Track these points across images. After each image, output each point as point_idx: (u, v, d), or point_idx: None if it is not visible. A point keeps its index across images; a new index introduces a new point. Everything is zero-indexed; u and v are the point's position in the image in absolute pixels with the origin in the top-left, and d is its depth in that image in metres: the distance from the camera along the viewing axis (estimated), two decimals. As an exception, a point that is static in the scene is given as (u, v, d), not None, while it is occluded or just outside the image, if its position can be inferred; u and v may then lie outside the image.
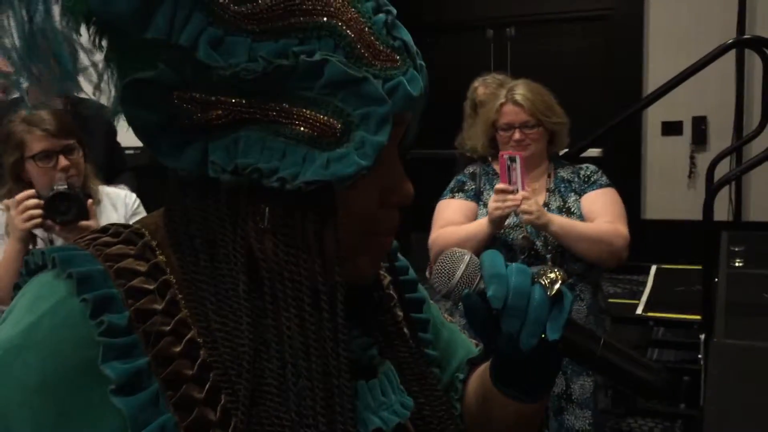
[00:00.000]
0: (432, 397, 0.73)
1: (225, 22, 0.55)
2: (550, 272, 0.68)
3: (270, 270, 0.58)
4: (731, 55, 4.06)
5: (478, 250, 2.16)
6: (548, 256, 2.01)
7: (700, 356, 2.68)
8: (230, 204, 0.58)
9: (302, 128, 0.56)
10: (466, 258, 0.70)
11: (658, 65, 4.36)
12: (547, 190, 2.12)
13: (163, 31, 0.54)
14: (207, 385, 0.56)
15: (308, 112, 0.56)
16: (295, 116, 0.56)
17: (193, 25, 0.55)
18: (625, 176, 4.11)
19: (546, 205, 2.07)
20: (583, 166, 2.19)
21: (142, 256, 0.60)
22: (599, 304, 2.07)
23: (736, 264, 2.68)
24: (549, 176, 2.15)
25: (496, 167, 2.16)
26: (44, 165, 1.88)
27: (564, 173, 2.15)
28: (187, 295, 0.59)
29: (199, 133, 0.57)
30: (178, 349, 0.56)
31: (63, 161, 1.90)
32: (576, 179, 2.14)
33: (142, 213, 2.11)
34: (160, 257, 0.61)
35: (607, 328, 2.10)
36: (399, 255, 0.80)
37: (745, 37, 3.76)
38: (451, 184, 2.21)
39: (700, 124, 4.35)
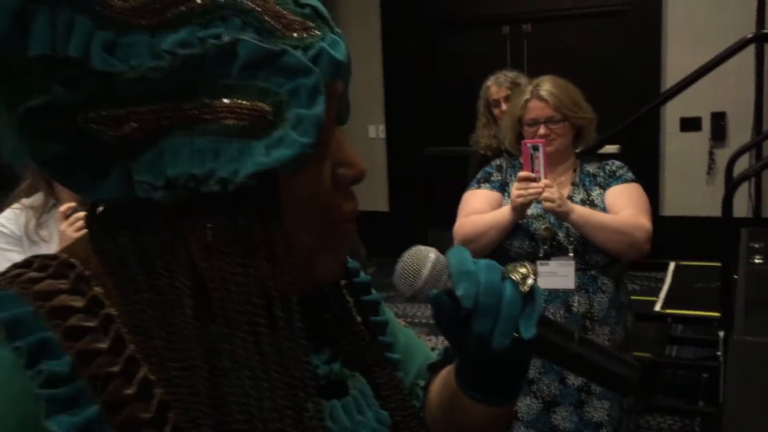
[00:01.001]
0: (403, 408, 0.70)
1: (114, 22, 0.49)
2: (521, 267, 0.65)
3: (217, 289, 0.52)
4: (750, 49, 4.02)
5: (501, 238, 2.17)
6: (570, 247, 2.02)
7: (719, 353, 2.66)
8: (166, 225, 0.53)
9: (229, 120, 0.51)
10: (432, 256, 0.67)
11: (676, 61, 4.32)
12: (572, 183, 2.14)
13: (46, 45, 0.48)
14: (168, 428, 0.51)
15: (231, 101, 0.51)
16: (218, 109, 0.51)
17: (79, 31, 0.49)
18: (644, 172, 4.07)
19: (570, 198, 2.08)
20: (609, 161, 2.21)
21: (77, 289, 0.54)
22: (621, 299, 2.08)
23: (756, 261, 2.65)
24: (575, 171, 2.17)
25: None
26: None
27: (590, 168, 2.17)
28: (132, 328, 0.53)
29: (117, 155, 0.51)
30: (130, 391, 0.51)
31: None
32: (601, 173, 2.16)
33: None
34: (97, 289, 0.54)
35: (628, 324, 2.10)
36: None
37: (765, 31, 3.73)
38: (478, 176, 2.23)
39: (719, 120, 4.31)
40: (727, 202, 2.59)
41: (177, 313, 0.52)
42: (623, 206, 2.07)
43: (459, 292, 0.62)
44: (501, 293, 0.63)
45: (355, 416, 0.64)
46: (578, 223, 1.99)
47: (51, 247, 1.89)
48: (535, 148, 2.02)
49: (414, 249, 0.68)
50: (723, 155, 3.62)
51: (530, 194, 1.96)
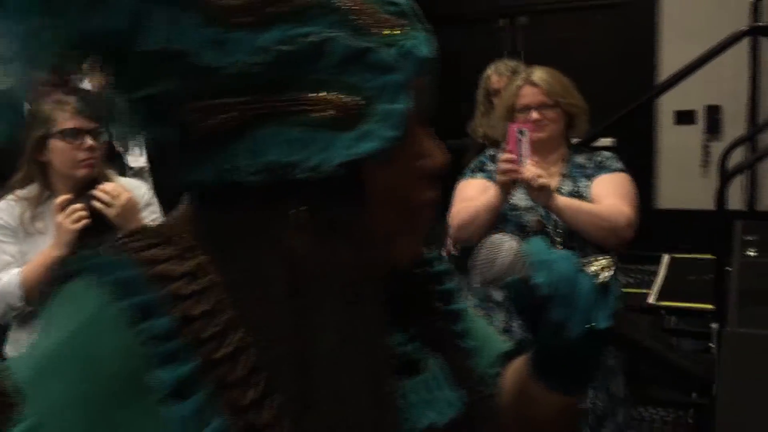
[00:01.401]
0: (476, 393, 0.71)
1: (219, 20, 0.53)
2: (599, 259, 0.68)
3: (308, 267, 0.56)
4: (745, 43, 4.03)
5: (493, 220, 2.18)
6: (558, 239, 2.03)
7: (712, 345, 2.67)
8: (258, 207, 0.57)
9: (320, 113, 0.55)
10: (510, 244, 0.70)
11: (672, 54, 4.33)
12: (562, 175, 2.15)
13: (159, 41, 0.53)
14: (258, 388, 0.55)
15: (323, 95, 0.55)
16: (311, 102, 0.55)
17: (189, 29, 0.53)
18: (639, 165, 4.08)
19: (559, 189, 2.09)
20: (599, 152, 2.21)
21: (182, 256, 0.57)
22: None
23: (750, 253, 2.66)
24: (565, 162, 2.17)
25: None
26: (71, 142, 1.90)
27: (580, 159, 2.19)
28: (229, 296, 0.57)
29: (218, 142, 0.56)
30: (226, 351, 0.55)
31: (89, 141, 1.92)
32: (590, 165, 2.17)
33: (155, 205, 2.12)
34: (200, 258, 0.58)
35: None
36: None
37: (759, 24, 3.73)
38: (472, 165, 2.26)
39: (713, 113, 4.32)
40: (721, 195, 2.60)
41: (270, 287, 0.56)
42: (607, 195, 2.09)
43: (538, 280, 0.65)
44: (577, 283, 0.65)
45: (425, 395, 0.66)
46: (560, 209, 2.00)
47: (46, 240, 1.88)
48: (522, 133, 2.03)
49: (493, 237, 0.71)
50: (718, 148, 3.64)
51: (512, 172, 1.98)
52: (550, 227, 2.05)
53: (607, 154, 2.20)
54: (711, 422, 1.51)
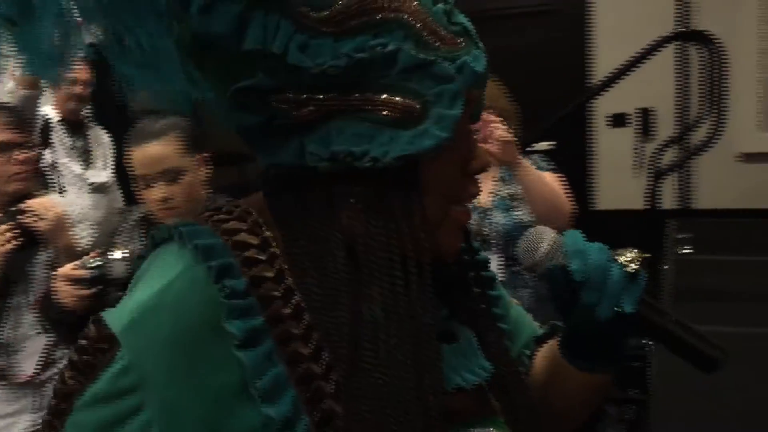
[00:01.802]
0: (507, 364, 0.79)
1: (308, 28, 0.63)
2: (629, 252, 0.74)
3: (364, 245, 0.65)
4: (673, 46, 4.15)
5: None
6: (496, 242, 2.07)
7: (648, 342, 2.74)
8: (325, 190, 0.66)
9: (385, 112, 0.63)
10: (550, 235, 0.77)
11: (604, 59, 4.42)
12: (497, 179, 2.19)
13: (258, 42, 0.63)
14: (312, 344, 0.64)
15: (388, 97, 0.64)
16: (377, 103, 0.63)
17: (282, 34, 0.63)
18: (575, 168, 4.17)
19: (496, 193, 2.13)
20: (530, 156, 2.27)
21: (253, 231, 0.68)
22: (544, 291, 2.14)
23: (682, 251, 2.75)
24: (499, 166, 2.22)
25: None
26: (1, 156, 1.85)
27: None
28: (291, 266, 0.67)
29: (295, 130, 0.65)
30: (287, 311, 0.64)
31: (20, 155, 1.87)
32: None
33: (86, 222, 2.09)
34: (268, 233, 0.68)
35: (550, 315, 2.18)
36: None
37: (682, 30, 3.85)
38: None
39: (645, 116, 4.43)
40: (652, 194, 2.67)
41: (328, 260, 0.66)
42: None
43: (573, 267, 0.73)
44: (608, 272, 0.73)
45: (460, 358, 0.74)
46: (523, 166, 2.05)
47: None
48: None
49: (536, 227, 0.78)
50: (650, 150, 3.73)
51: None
52: (488, 231, 2.08)
53: (537, 156, 2.26)
54: (647, 417, 1.54)
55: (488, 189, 2.21)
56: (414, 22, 0.64)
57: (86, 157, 3.38)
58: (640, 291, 0.74)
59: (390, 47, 0.63)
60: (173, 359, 0.62)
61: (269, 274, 0.65)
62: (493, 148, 2.05)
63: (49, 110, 3.38)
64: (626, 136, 4.49)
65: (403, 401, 0.63)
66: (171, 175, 1.73)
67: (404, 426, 0.62)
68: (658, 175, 2.63)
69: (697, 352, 0.76)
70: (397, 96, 0.64)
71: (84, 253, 1.89)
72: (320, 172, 0.65)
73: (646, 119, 4.44)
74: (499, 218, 2.15)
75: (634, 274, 0.73)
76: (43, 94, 3.23)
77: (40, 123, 3.28)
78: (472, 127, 0.72)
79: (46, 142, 3.28)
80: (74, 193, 3.32)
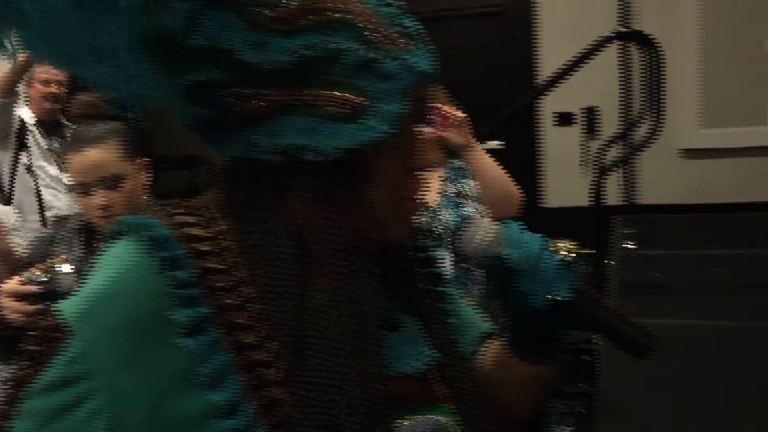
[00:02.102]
0: (452, 353, 0.82)
1: (259, 25, 0.65)
2: (564, 242, 0.77)
3: (312, 236, 0.67)
4: (616, 46, 4.23)
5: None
6: (447, 240, 2.10)
7: (593, 336, 2.80)
8: (275, 182, 0.69)
9: (332, 107, 0.66)
10: (489, 225, 0.79)
11: (550, 59, 4.48)
12: (442, 178, 2.22)
13: (209, 38, 0.65)
14: (259, 333, 0.66)
15: (335, 93, 0.66)
16: (324, 98, 0.66)
17: (234, 31, 0.65)
18: (524, 167, 4.23)
19: (443, 192, 2.16)
20: None
21: (205, 224, 0.70)
22: (492, 289, 2.18)
23: (627, 246, 2.80)
24: (443, 166, 2.25)
25: None
26: None
27: (457, 162, 2.27)
28: (242, 258, 0.69)
29: (246, 124, 0.67)
30: (235, 301, 0.67)
31: None
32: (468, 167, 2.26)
33: (24, 231, 2.05)
34: (220, 226, 0.71)
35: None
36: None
37: (622, 30, 3.93)
38: None
39: (590, 114, 4.51)
40: (596, 191, 2.72)
41: (278, 252, 0.68)
42: None
43: (508, 256, 0.76)
44: (543, 260, 0.76)
45: (404, 346, 0.76)
46: (477, 151, 2.08)
47: None
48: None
49: (475, 217, 0.83)
50: (595, 147, 3.80)
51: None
52: (437, 228, 2.10)
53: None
54: (596, 408, 1.57)
55: (436, 188, 2.24)
56: (361, 22, 0.67)
57: (63, 158, 3.33)
58: (574, 279, 0.77)
59: (337, 46, 0.66)
60: (123, 347, 0.64)
61: (219, 266, 0.67)
62: (449, 134, 2.09)
63: (24, 112, 3.31)
64: (573, 134, 4.56)
65: (347, 388, 0.65)
66: (111, 182, 1.69)
67: (348, 412, 0.64)
68: (603, 173, 2.68)
69: (629, 340, 0.79)
70: (343, 92, 0.66)
71: (25, 262, 1.84)
72: (270, 165, 0.68)
73: (591, 118, 4.52)
74: (448, 216, 2.17)
75: (568, 264, 0.76)
76: (20, 99, 3.17)
77: (16, 125, 3.21)
78: (416, 127, 0.74)
79: (21, 145, 3.21)
80: (51, 194, 3.27)
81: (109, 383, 0.63)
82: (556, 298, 0.75)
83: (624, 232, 2.85)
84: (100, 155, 1.69)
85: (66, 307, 0.67)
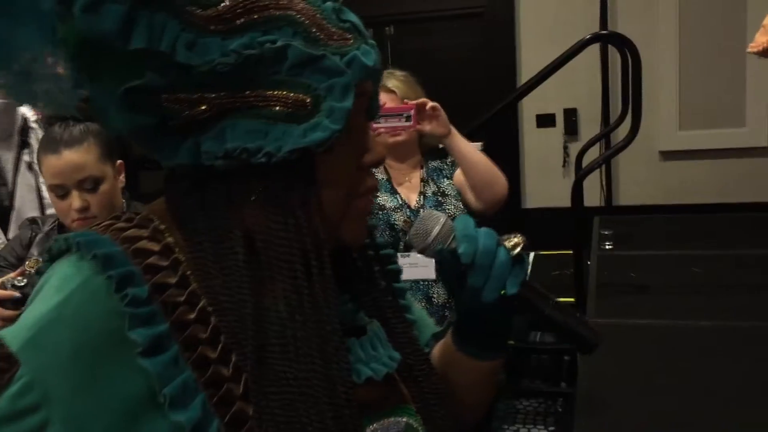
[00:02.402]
0: (415, 352, 0.81)
1: (196, 26, 0.63)
2: (514, 237, 0.77)
3: (264, 241, 0.65)
4: (597, 48, 4.27)
5: None
6: None
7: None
8: (224, 188, 0.66)
9: (277, 107, 0.64)
10: (442, 219, 0.78)
11: (531, 61, 4.52)
12: (421, 180, 2.25)
13: (144, 41, 0.62)
14: (219, 347, 0.64)
15: (280, 92, 0.64)
16: (270, 98, 0.64)
17: (169, 33, 0.62)
18: (505, 168, 4.22)
19: (422, 194, 2.19)
20: (445, 158, 2.35)
21: (154, 237, 0.68)
22: None
23: (606, 246, 2.82)
24: (422, 167, 2.28)
25: None
26: None
27: (434, 163, 2.30)
28: (194, 270, 0.67)
29: (190, 129, 0.65)
30: (192, 316, 0.64)
31: None
32: (445, 166, 2.29)
33: None
34: (169, 239, 0.69)
35: None
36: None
37: (602, 32, 3.96)
38: None
39: (571, 116, 4.54)
40: (576, 192, 2.73)
41: (230, 259, 0.66)
42: None
43: (460, 251, 0.75)
44: (495, 255, 0.75)
45: (369, 351, 0.75)
46: (460, 146, 2.10)
47: None
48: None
49: (428, 212, 0.80)
50: (575, 149, 3.83)
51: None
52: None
53: (451, 158, 2.34)
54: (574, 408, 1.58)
55: (415, 189, 2.28)
56: (302, 19, 0.65)
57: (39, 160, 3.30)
58: (523, 275, 0.77)
59: (279, 43, 0.63)
60: (77, 373, 0.61)
61: (172, 280, 0.65)
62: (427, 125, 2.10)
63: (27, 110, 3.28)
64: (554, 135, 4.60)
65: (312, 396, 0.63)
66: (89, 184, 1.67)
67: (315, 420, 0.63)
68: (583, 174, 2.70)
69: (575, 335, 0.80)
70: (288, 91, 0.64)
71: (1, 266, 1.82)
72: (218, 171, 0.66)
73: (571, 119, 4.55)
74: None
75: (518, 259, 0.76)
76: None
77: (19, 124, 3.19)
78: (365, 123, 0.73)
79: (24, 143, 3.18)
80: None
81: (65, 412, 0.60)
82: (507, 292, 0.75)
83: (603, 232, 2.86)
84: (78, 157, 1.67)
85: (10, 335, 0.63)
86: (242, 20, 0.63)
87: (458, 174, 2.29)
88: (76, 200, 1.66)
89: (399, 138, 2.23)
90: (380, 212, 2.21)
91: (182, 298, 0.65)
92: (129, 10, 0.61)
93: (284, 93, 0.64)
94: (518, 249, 0.76)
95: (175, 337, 0.63)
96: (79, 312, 0.62)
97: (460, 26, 4.99)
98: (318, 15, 0.66)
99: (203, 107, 0.64)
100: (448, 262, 0.78)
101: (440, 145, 2.40)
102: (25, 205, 3.11)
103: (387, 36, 5.11)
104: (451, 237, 0.77)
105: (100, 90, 0.66)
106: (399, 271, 0.91)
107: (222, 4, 0.63)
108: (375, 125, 2.10)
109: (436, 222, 0.78)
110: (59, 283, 0.65)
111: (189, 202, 0.69)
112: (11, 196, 3.22)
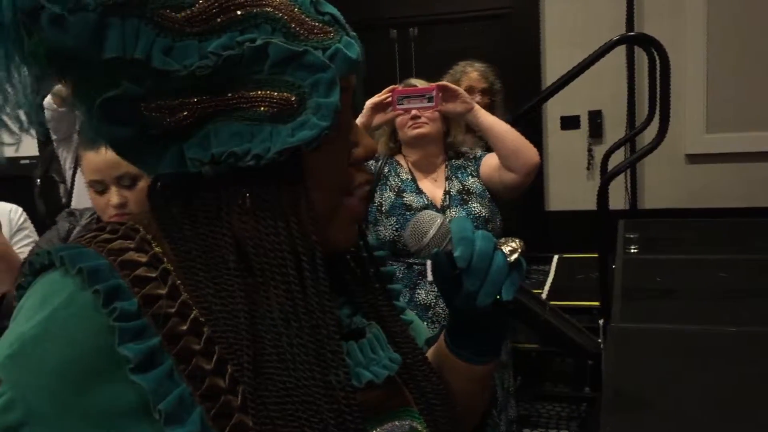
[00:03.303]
0: (414, 353, 0.79)
1: (171, 30, 0.60)
2: (512, 242, 0.75)
3: (255, 247, 0.63)
4: (623, 50, 4.24)
5: None
6: None
7: (599, 340, 2.80)
8: (212, 194, 0.64)
9: (262, 108, 0.62)
10: (438, 221, 0.77)
11: (556, 62, 4.50)
12: (446, 178, 2.27)
13: (117, 50, 0.59)
14: (214, 357, 0.62)
15: (264, 92, 0.62)
16: (253, 99, 0.62)
17: (144, 39, 0.59)
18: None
19: (447, 193, 2.21)
20: (470, 151, 2.38)
21: (141, 248, 0.65)
22: None
23: (632, 250, 2.80)
24: (445, 166, 2.30)
25: (400, 160, 2.31)
26: None
27: (458, 162, 2.32)
28: (185, 280, 0.64)
29: (173, 137, 0.63)
30: (184, 327, 0.62)
31: None
32: (468, 164, 2.31)
33: (29, 227, 2.04)
34: (157, 249, 0.66)
35: None
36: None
37: (630, 34, 3.93)
38: None
39: (596, 118, 4.51)
40: (602, 195, 2.72)
41: (221, 267, 0.64)
42: None
43: (456, 254, 0.73)
44: (491, 260, 0.73)
45: (369, 354, 0.73)
46: (487, 122, 2.12)
47: None
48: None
49: (424, 212, 0.78)
50: (600, 151, 3.81)
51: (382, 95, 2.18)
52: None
53: (479, 151, 2.37)
54: (599, 414, 1.58)
55: (440, 188, 2.30)
56: (280, 14, 0.63)
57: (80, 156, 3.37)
58: (520, 281, 0.75)
59: (259, 41, 0.61)
60: (63, 391, 0.58)
61: (162, 291, 0.63)
62: (450, 106, 2.12)
63: None
64: (578, 137, 4.57)
65: (313, 403, 0.61)
66: (127, 180, 1.70)
67: (317, 428, 0.61)
68: (610, 176, 2.68)
69: (569, 342, 0.78)
70: (272, 90, 0.62)
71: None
72: (204, 178, 0.63)
73: (596, 121, 4.52)
74: (456, 213, 2.22)
75: (515, 264, 0.74)
76: None
77: (78, 125, 3.25)
78: (350, 117, 0.71)
79: None
80: None
81: (51, 431, 0.57)
82: (502, 298, 0.73)
83: (628, 236, 2.85)
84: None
85: None
86: (218, 20, 0.61)
87: (488, 158, 2.32)
88: (114, 196, 1.69)
89: (422, 130, 2.25)
90: (407, 213, 2.22)
91: (173, 309, 0.62)
92: (99, 19, 0.58)
93: (268, 92, 0.62)
94: (516, 255, 0.74)
95: (168, 350, 0.60)
96: (64, 328, 0.59)
97: (485, 27, 4.97)
98: (296, 9, 0.64)
99: (185, 113, 0.62)
100: (442, 265, 0.76)
101: (464, 148, 2.41)
102: (81, 204, 3.16)
103: (411, 37, 5.12)
104: (447, 239, 0.76)
105: (78, 102, 0.64)
106: (393, 273, 0.89)
107: (196, 5, 0.60)
108: (398, 106, 2.11)
109: (432, 223, 0.76)
110: (43, 298, 0.62)
111: (175, 210, 0.67)
112: (69, 194, 3.28)
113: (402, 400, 0.76)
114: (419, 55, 5.15)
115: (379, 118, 2.16)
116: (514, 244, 0.75)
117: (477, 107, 2.18)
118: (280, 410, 0.61)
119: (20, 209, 2.10)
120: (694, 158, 4.40)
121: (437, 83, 2.14)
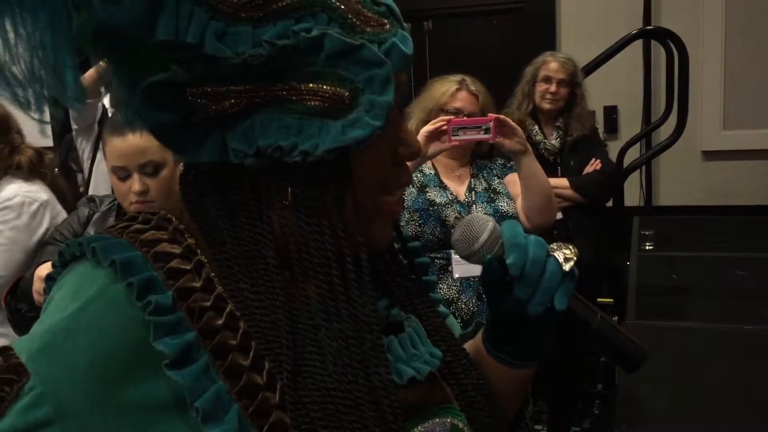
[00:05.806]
0: (454, 347, 0.77)
1: (225, 14, 0.57)
2: (565, 248, 0.72)
3: (296, 243, 0.61)
4: (639, 45, 4.20)
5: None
6: None
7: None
8: (252, 188, 0.62)
9: (313, 102, 0.59)
10: (490, 225, 0.74)
11: (573, 56, 4.47)
12: (472, 176, 2.29)
13: (170, 32, 0.56)
14: (251, 353, 0.60)
15: (316, 85, 0.59)
16: (304, 92, 0.59)
17: (197, 22, 0.57)
18: (542, 165, 4.20)
19: (471, 189, 2.23)
20: (494, 159, 2.39)
21: (175, 239, 0.64)
22: None
23: (646, 247, 2.79)
24: (470, 164, 2.32)
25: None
26: None
27: (481, 162, 2.34)
28: (218, 272, 0.63)
29: (216, 125, 0.60)
30: (220, 321, 0.60)
31: None
32: (494, 166, 2.33)
33: (9, 209, 2.12)
34: (190, 240, 0.64)
35: None
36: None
37: (648, 28, 3.90)
38: None
39: (611, 113, 4.48)
40: (618, 192, 2.70)
41: (258, 262, 0.62)
42: None
43: (509, 261, 0.71)
44: (544, 267, 0.71)
45: (409, 349, 0.71)
46: (531, 167, 2.11)
47: None
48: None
49: (475, 215, 0.75)
50: (615, 147, 3.77)
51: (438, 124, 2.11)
52: None
53: (501, 159, 2.37)
54: (613, 411, 1.57)
55: (464, 184, 2.31)
56: (338, 4, 0.59)
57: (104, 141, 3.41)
58: (572, 289, 0.72)
59: (315, 32, 0.58)
60: (95, 386, 0.56)
61: (197, 284, 0.61)
62: (505, 141, 2.10)
63: (107, 100, 3.35)
64: (593, 133, 4.53)
65: (354, 402, 0.60)
66: (150, 168, 1.71)
67: (358, 428, 0.59)
68: (626, 172, 2.66)
69: (619, 351, 0.75)
70: (324, 84, 0.59)
71: (59, 242, 1.88)
72: (245, 170, 0.61)
73: (611, 117, 4.49)
74: (483, 210, 2.22)
75: (569, 272, 0.71)
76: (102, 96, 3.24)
77: (99, 114, 3.27)
78: (398, 115, 0.68)
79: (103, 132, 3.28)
80: None
81: (82, 427, 0.56)
82: (555, 307, 0.71)
83: (643, 233, 2.83)
84: (142, 141, 1.70)
85: (22, 345, 0.59)
86: (275, 7, 0.57)
87: (510, 179, 2.31)
88: (136, 183, 1.70)
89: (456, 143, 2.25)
90: (431, 208, 2.22)
91: (208, 303, 0.60)
92: None
93: (319, 86, 0.59)
94: (571, 263, 0.71)
95: (203, 345, 0.59)
96: (96, 322, 0.58)
97: (500, 22, 4.95)
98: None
99: (231, 101, 0.59)
100: (494, 272, 0.73)
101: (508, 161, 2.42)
102: (99, 193, 3.20)
103: (426, 31, 5.10)
104: (498, 244, 0.73)
105: (118, 84, 0.62)
106: (428, 265, 0.87)
107: None
108: (453, 138, 2.08)
109: (484, 228, 0.73)
110: (74, 291, 0.60)
111: (213, 203, 0.64)
112: (87, 183, 3.30)
113: (443, 396, 0.73)
114: (434, 49, 5.14)
115: (435, 147, 2.12)
116: (567, 251, 0.72)
117: (530, 151, 2.16)
118: (320, 410, 0.59)
119: (18, 196, 2.15)
120: (710, 155, 4.36)
121: (495, 115, 2.10)
